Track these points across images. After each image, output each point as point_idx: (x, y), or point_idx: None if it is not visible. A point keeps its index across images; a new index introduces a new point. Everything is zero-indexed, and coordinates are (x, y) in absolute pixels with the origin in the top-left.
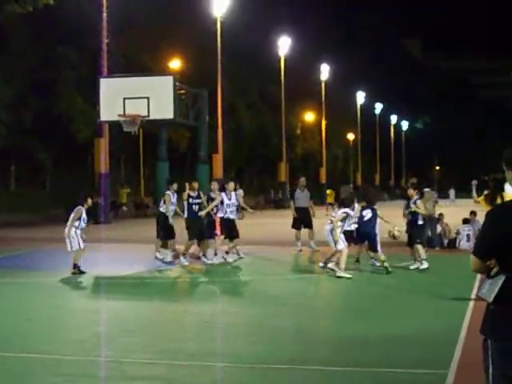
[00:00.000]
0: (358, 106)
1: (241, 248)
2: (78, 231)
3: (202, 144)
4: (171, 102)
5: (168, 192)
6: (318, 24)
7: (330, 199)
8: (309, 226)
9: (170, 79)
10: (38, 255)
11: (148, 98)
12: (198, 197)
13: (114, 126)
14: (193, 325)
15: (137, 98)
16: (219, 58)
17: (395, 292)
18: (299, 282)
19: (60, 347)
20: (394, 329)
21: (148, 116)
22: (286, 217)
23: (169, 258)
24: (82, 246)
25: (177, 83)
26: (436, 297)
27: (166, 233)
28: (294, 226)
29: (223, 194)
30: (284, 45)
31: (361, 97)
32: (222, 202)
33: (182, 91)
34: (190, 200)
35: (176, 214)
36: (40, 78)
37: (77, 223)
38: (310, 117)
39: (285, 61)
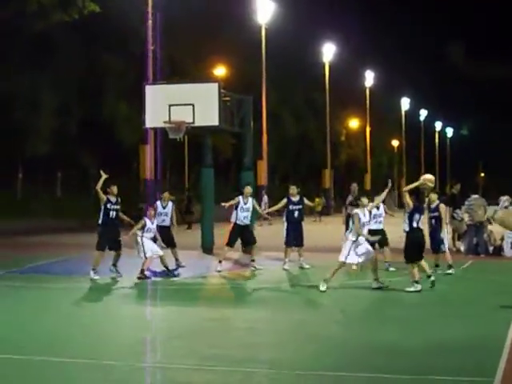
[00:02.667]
0: (403, 113)
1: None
2: (145, 239)
3: (247, 150)
4: (216, 108)
5: (157, 202)
6: (362, 30)
7: (318, 208)
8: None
9: (215, 86)
10: (82, 261)
11: (193, 105)
12: (117, 203)
13: (160, 132)
14: (237, 331)
15: (182, 104)
16: (263, 64)
17: (438, 299)
18: (344, 290)
19: (105, 353)
20: (436, 336)
21: (193, 123)
22: (330, 223)
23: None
24: (149, 255)
25: (222, 90)
26: (480, 305)
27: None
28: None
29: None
30: (328, 51)
31: (405, 103)
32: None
33: (227, 98)
34: (108, 205)
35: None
36: (86, 85)
37: (140, 232)
38: (354, 123)
39: (329, 67)
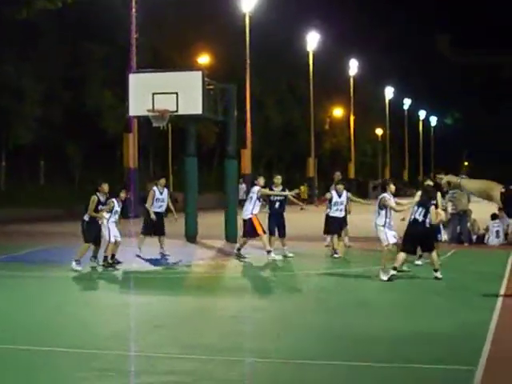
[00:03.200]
0: (387, 102)
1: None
2: (111, 223)
3: (231, 139)
4: (200, 97)
5: (154, 188)
6: (346, 18)
7: (304, 195)
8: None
9: (198, 74)
10: (65, 250)
11: (177, 94)
12: (106, 202)
13: (143, 121)
14: (220, 320)
15: (165, 93)
16: (247, 53)
17: (421, 289)
18: (328, 278)
19: (89, 341)
20: (420, 325)
21: (177, 111)
22: (315, 212)
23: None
24: (112, 240)
25: (205, 78)
26: (464, 293)
27: (146, 229)
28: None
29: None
30: (312, 40)
31: (389, 92)
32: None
33: (211, 86)
34: (99, 207)
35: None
36: (69, 74)
37: (107, 215)
38: (338, 112)
39: (313, 56)
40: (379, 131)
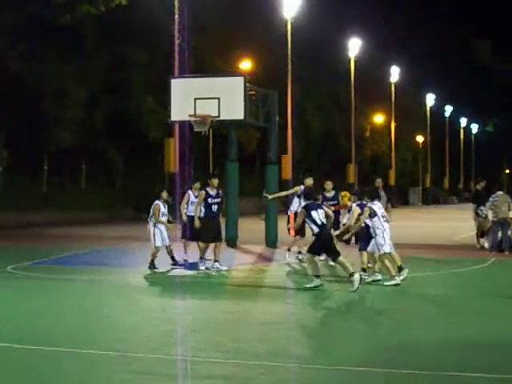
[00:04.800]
0: (428, 109)
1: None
2: (158, 227)
3: (272, 145)
4: (242, 102)
5: (189, 191)
6: (388, 25)
7: (345, 201)
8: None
9: (240, 80)
10: (106, 253)
11: (219, 99)
12: (218, 195)
13: (185, 126)
14: (259, 325)
15: (207, 98)
16: (289, 59)
17: (463, 297)
18: (368, 284)
19: (130, 345)
20: (468, 333)
21: (218, 116)
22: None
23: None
24: (158, 244)
25: (247, 84)
26: (506, 302)
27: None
28: None
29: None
30: (354, 46)
31: (430, 99)
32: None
33: (253, 92)
34: (209, 200)
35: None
36: (111, 79)
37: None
38: (379, 118)
39: (354, 62)
40: (420, 138)
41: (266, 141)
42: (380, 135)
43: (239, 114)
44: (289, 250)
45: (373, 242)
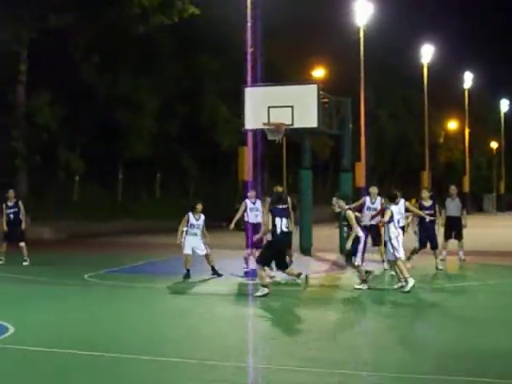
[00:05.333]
0: (502, 114)
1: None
2: (187, 236)
3: (345, 152)
4: (315, 110)
5: (246, 200)
6: (461, 31)
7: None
8: (458, 235)
9: (313, 88)
10: (181, 262)
11: (292, 107)
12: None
13: (258, 134)
14: (336, 332)
15: (281, 106)
16: (362, 66)
17: None
18: (443, 293)
19: (205, 353)
20: None
21: (292, 124)
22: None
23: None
24: (186, 252)
25: (320, 92)
26: None
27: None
28: (444, 236)
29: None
30: (427, 52)
31: (505, 104)
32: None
33: (326, 100)
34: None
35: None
36: (185, 88)
37: (185, 228)
38: (452, 125)
39: (427, 68)
40: (494, 144)
41: (339, 148)
42: (454, 141)
43: (313, 122)
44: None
45: (388, 246)
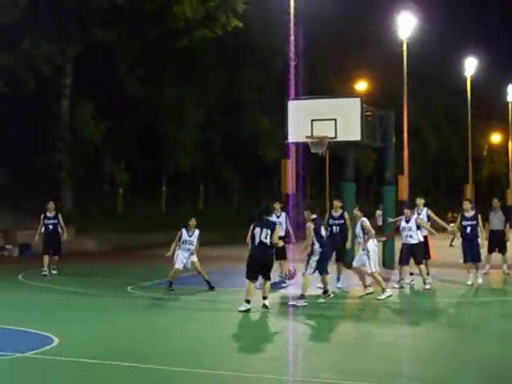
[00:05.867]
0: None
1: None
2: (180, 251)
3: (388, 165)
4: (358, 123)
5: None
6: (504, 43)
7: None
8: (502, 249)
9: (357, 101)
10: (225, 274)
11: (335, 120)
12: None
13: (300, 147)
14: (377, 346)
15: (324, 119)
16: (405, 79)
17: None
18: (485, 306)
19: (247, 366)
20: None
21: (335, 137)
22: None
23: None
24: (176, 266)
25: (364, 105)
26: None
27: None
28: (488, 249)
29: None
30: (470, 65)
31: None
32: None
33: (369, 113)
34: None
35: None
36: (227, 100)
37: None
38: (496, 138)
39: (471, 81)
40: None
41: (382, 161)
42: (497, 154)
43: (356, 135)
44: (411, 273)
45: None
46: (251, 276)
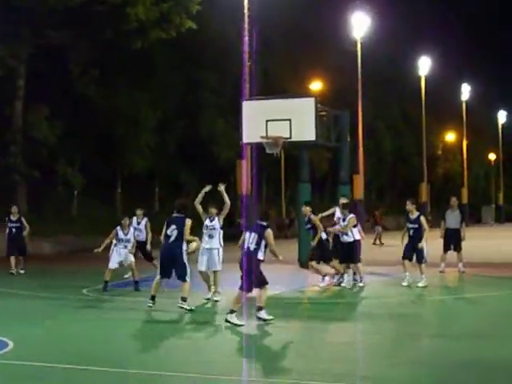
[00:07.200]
0: (500, 126)
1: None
2: (115, 248)
3: (343, 165)
4: (313, 123)
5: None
6: (457, 43)
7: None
8: (457, 247)
9: (311, 101)
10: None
11: (290, 120)
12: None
13: (256, 147)
14: (335, 345)
15: (279, 120)
16: (359, 78)
17: None
18: (440, 304)
19: (203, 367)
20: None
21: (290, 138)
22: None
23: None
24: (110, 266)
25: (318, 105)
26: None
27: None
28: (443, 248)
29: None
30: (424, 65)
31: (502, 116)
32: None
33: (324, 113)
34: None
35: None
36: (183, 102)
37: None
38: (450, 137)
39: (425, 81)
40: (492, 156)
41: (337, 161)
42: (452, 153)
43: (311, 135)
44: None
45: None
46: (162, 273)
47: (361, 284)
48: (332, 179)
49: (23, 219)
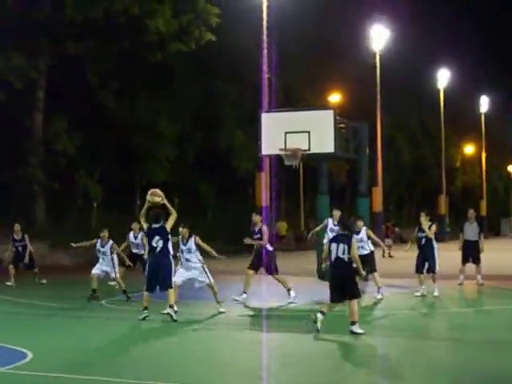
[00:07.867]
0: None
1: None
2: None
3: (362, 177)
4: (332, 135)
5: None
6: (477, 55)
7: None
8: (476, 260)
9: (330, 113)
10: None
11: (309, 132)
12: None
13: (275, 159)
14: (347, 358)
15: (298, 132)
16: (378, 91)
17: None
18: (459, 316)
19: (220, 380)
20: None
21: (309, 150)
22: (445, 250)
23: None
24: (92, 272)
25: (337, 117)
26: None
27: None
28: (462, 260)
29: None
30: (443, 77)
31: None
32: None
33: (342, 125)
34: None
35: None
36: (202, 114)
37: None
38: (469, 149)
39: (444, 92)
40: (511, 168)
41: (356, 173)
42: (471, 166)
43: (329, 147)
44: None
45: None
46: (148, 287)
47: (379, 296)
48: (351, 191)
49: (26, 236)
